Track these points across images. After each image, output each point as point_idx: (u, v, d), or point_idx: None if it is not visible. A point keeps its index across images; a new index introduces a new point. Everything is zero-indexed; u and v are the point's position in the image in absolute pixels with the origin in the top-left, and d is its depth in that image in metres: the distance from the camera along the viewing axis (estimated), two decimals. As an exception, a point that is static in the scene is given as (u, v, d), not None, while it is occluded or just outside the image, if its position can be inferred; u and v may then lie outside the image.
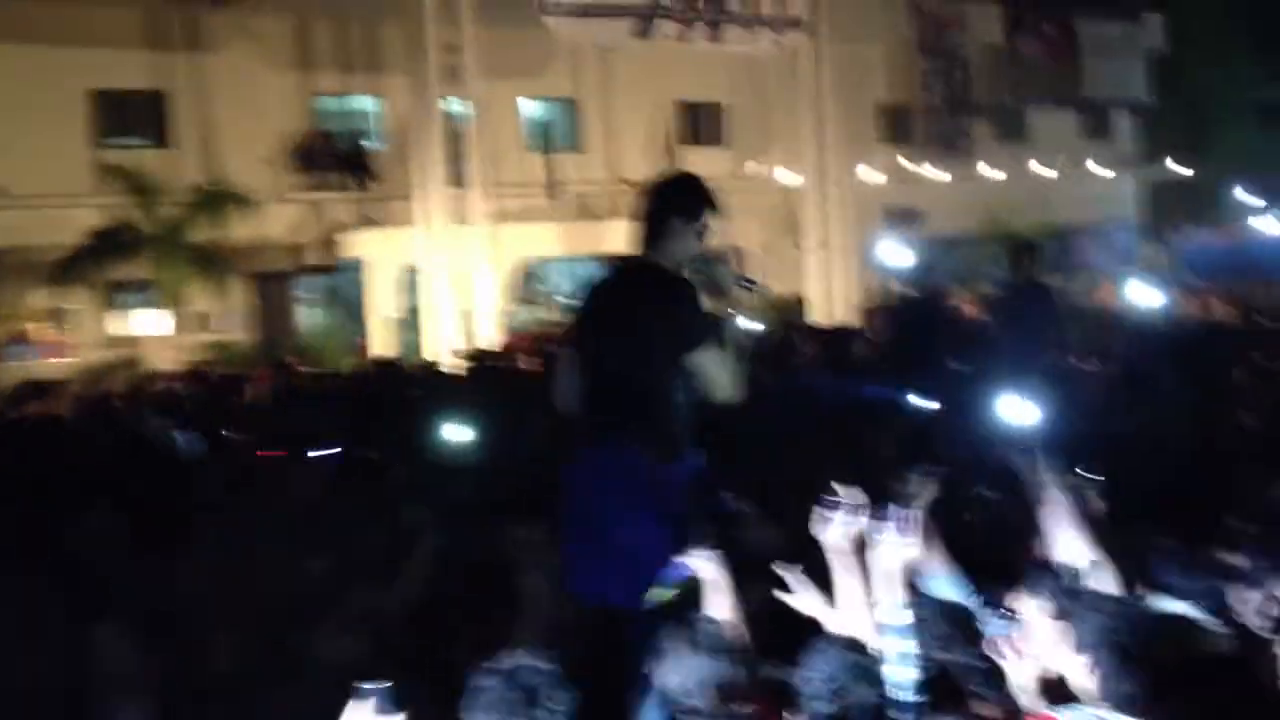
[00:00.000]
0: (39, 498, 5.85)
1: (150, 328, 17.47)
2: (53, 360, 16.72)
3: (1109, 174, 27.96)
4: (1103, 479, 5.57)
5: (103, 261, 16.16)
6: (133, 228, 16.21)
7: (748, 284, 3.87)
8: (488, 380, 10.59)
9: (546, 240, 18.75)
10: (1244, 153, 33.53)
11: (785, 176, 21.46)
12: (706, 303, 3.68)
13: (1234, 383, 8.13)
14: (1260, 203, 29.12)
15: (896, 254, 9.79)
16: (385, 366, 12.30)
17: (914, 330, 9.36)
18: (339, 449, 6.83)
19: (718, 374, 3.63)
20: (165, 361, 15.88)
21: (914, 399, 7.28)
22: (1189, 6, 30.78)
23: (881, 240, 20.68)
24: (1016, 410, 6.89)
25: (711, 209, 3.78)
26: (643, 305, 3.68)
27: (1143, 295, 16.21)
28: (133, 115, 18.00)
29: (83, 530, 5.28)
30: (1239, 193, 29.49)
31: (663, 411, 3.67)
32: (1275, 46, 34.41)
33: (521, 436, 7.48)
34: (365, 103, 19.99)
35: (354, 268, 18.06)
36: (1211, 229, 26.69)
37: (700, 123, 23.01)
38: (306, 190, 18.78)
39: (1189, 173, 29.34)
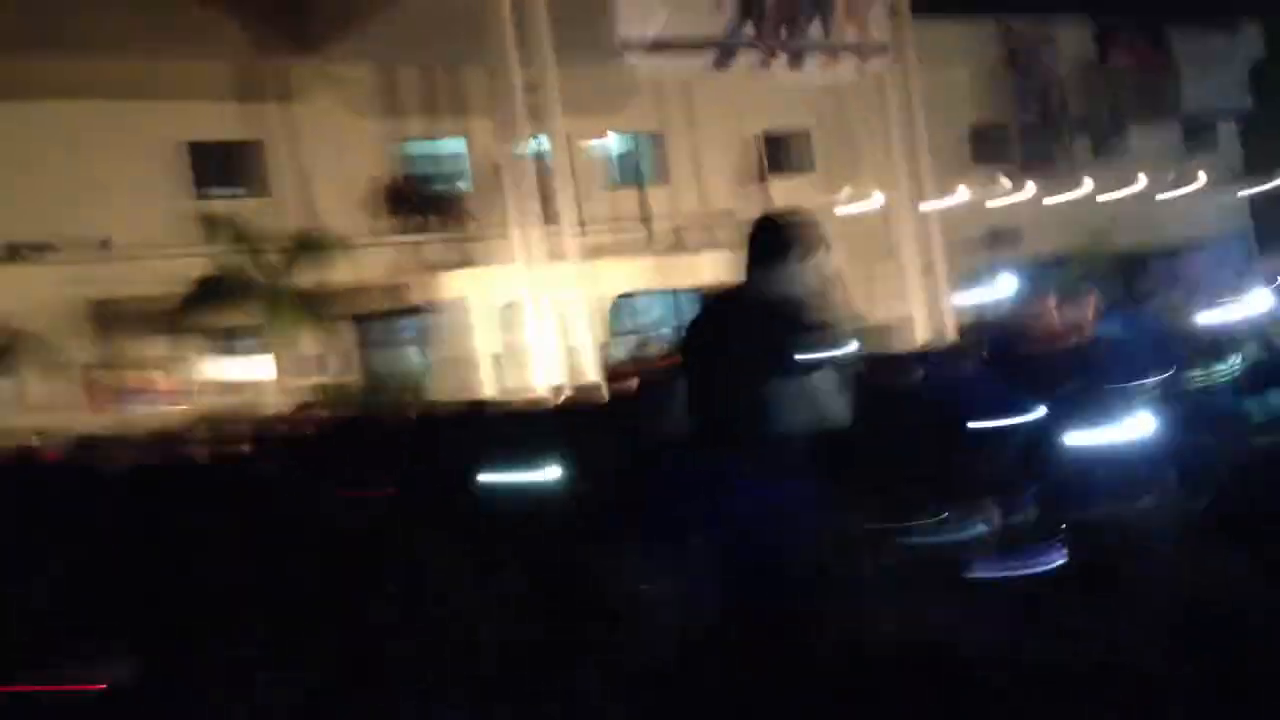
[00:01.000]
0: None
1: (259, 372, 17.68)
2: (172, 407, 17.03)
3: (1213, 188, 27.14)
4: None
5: (210, 308, 16.48)
6: (237, 275, 16.49)
7: (849, 324, 3.94)
8: (585, 413, 10.45)
9: (639, 274, 18.70)
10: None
11: (877, 202, 21.19)
12: (818, 330, 3.75)
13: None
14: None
15: (1002, 285, 9.59)
16: (471, 406, 12.11)
17: (1013, 348, 9.12)
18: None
19: (831, 397, 3.71)
20: (277, 404, 16.07)
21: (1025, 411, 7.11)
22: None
23: (989, 274, 20.41)
24: (1134, 426, 6.65)
25: (819, 246, 3.88)
26: (757, 329, 3.71)
27: (1265, 308, 15.63)
28: (229, 165, 18.36)
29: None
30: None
31: (774, 433, 3.68)
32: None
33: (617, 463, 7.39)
34: (452, 145, 20.15)
35: (452, 307, 18.11)
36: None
37: (786, 151, 22.90)
38: (400, 233, 18.97)
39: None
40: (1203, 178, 26.72)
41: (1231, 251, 27.83)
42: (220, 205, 17.36)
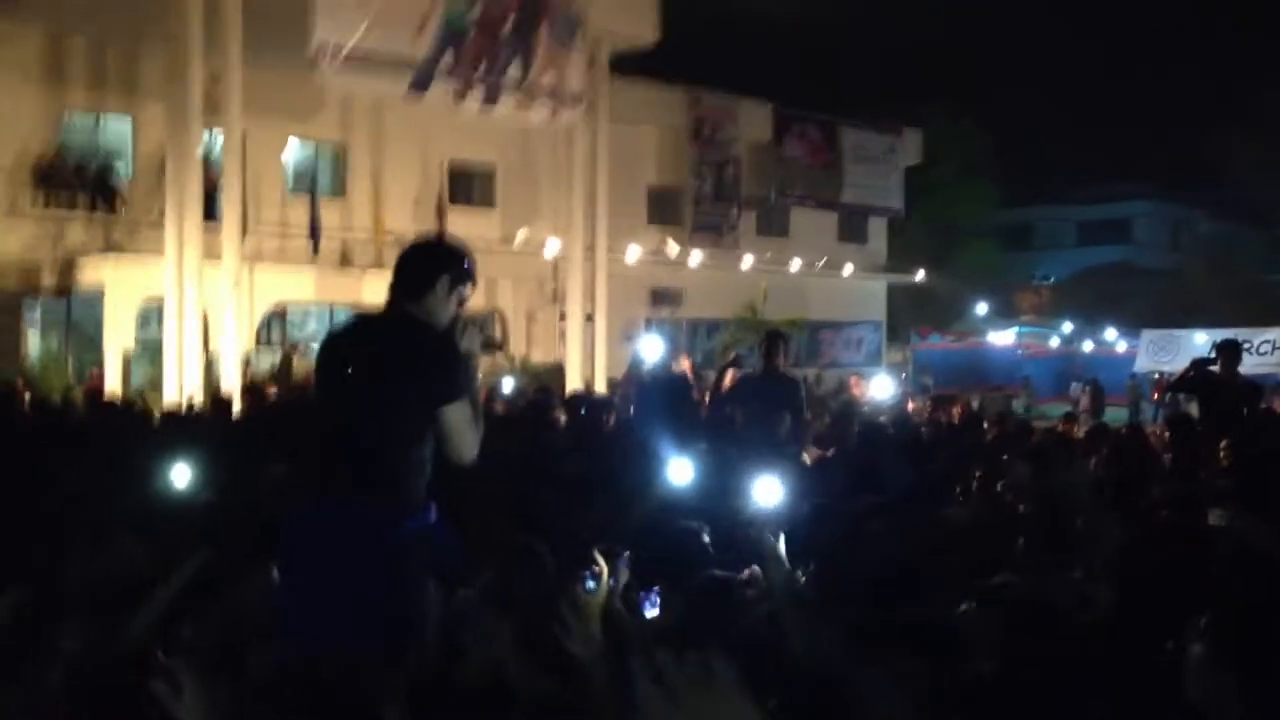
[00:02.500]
0: None
1: None
2: None
3: (859, 276, 29.50)
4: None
5: None
6: None
7: (493, 347, 3.92)
8: (219, 423, 10.12)
9: (302, 285, 18.19)
10: (983, 268, 36.17)
11: (553, 247, 21.65)
12: (465, 361, 3.66)
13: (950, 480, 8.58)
14: (992, 315, 31.42)
15: (651, 346, 9.98)
16: (106, 403, 11.51)
17: (660, 406, 9.52)
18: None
19: (464, 432, 3.59)
20: None
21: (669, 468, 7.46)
22: (942, 128, 33.08)
23: (640, 334, 21.23)
24: (763, 491, 7.11)
25: (473, 281, 3.78)
26: (399, 355, 3.59)
27: (881, 392, 17.21)
28: None
29: None
30: (979, 305, 31.67)
31: (404, 464, 3.59)
32: (1016, 174, 37.38)
33: (255, 480, 7.23)
34: (119, 125, 19.03)
35: (93, 296, 16.99)
36: (949, 335, 28.45)
37: (471, 184, 22.98)
38: (46, 209, 17.68)
39: (931, 280, 31.35)
40: (850, 266, 29.00)
41: (865, 335, 30.32)
42: None
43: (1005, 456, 9.15)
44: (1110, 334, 27.95)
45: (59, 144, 18.22)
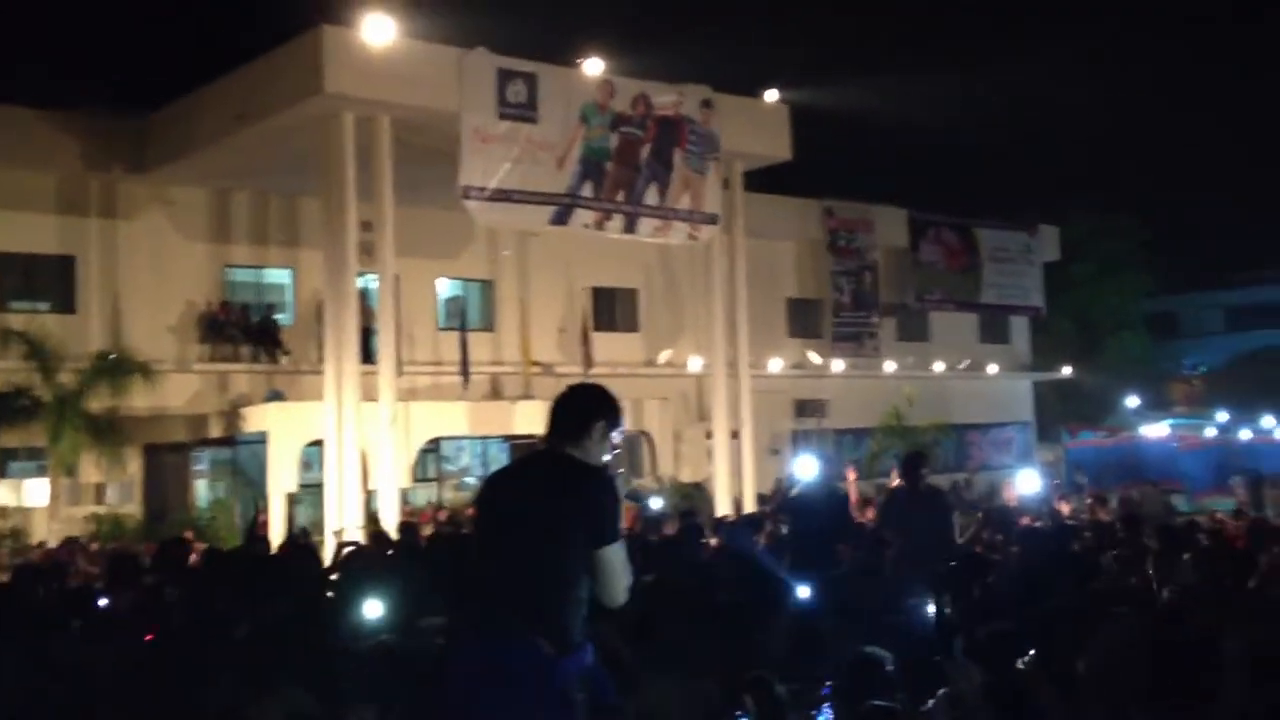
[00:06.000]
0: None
1: (39, 497, 16.73)
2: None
3: (1003, 376, 28.97)
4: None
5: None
6: (27, 393, 15.75)
7: (636, 498, 4.06)
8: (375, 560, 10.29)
9: (455, 419, 18.56)
10: (1131, 359, 35.10)
11: (696, 365, 21.78)
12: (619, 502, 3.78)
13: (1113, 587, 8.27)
14: (1143, 408, 30.36)
15: (806, 465, 9.92)
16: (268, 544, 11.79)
17: (811, 524, 9.39)
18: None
19: (619, 573, 3.68)
20: (52, 533, 15.35)
21: (800, 591, 7.39)
22: (1080, 220, 32.54)
23: (787, 448, 21.04)
24: (926, 604, 6.97)
25: (623, 427, 3.94)
26: (561, 495, 3.70)
27: (1028, 488, 16.72)
28: (38, 278, 17.84)
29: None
30: (1129, 399, 30.68)
31: (565, 603, 3.65)
32: (1160, 261, 36.39)
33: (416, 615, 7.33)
34: (278, 275, 19.93)
35: (257, 441, 17.60)
36: (1100, 431, 27.56)
37: (614, 308, 23.28)
38: (212, 361, 18.53)
39: (1077, 376, 30.57)
40: (994, 366, 28.50)
41: (1014, 435, 29.59)
42: (25, 319, 16.66)
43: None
44: (1269, 421, 26.78)
45: (225, 297, 19.13)
